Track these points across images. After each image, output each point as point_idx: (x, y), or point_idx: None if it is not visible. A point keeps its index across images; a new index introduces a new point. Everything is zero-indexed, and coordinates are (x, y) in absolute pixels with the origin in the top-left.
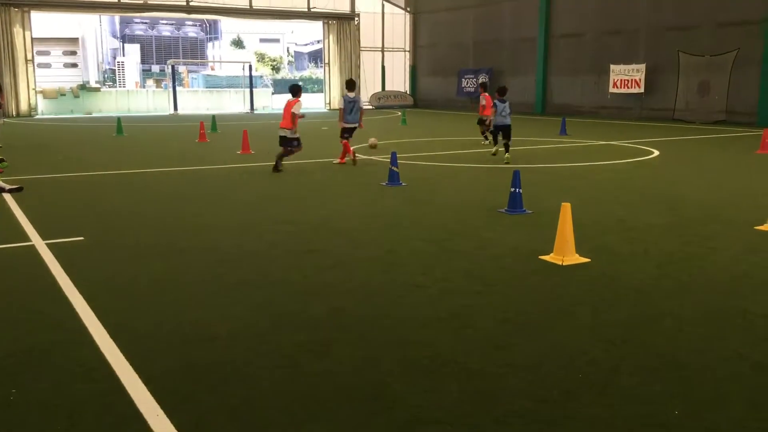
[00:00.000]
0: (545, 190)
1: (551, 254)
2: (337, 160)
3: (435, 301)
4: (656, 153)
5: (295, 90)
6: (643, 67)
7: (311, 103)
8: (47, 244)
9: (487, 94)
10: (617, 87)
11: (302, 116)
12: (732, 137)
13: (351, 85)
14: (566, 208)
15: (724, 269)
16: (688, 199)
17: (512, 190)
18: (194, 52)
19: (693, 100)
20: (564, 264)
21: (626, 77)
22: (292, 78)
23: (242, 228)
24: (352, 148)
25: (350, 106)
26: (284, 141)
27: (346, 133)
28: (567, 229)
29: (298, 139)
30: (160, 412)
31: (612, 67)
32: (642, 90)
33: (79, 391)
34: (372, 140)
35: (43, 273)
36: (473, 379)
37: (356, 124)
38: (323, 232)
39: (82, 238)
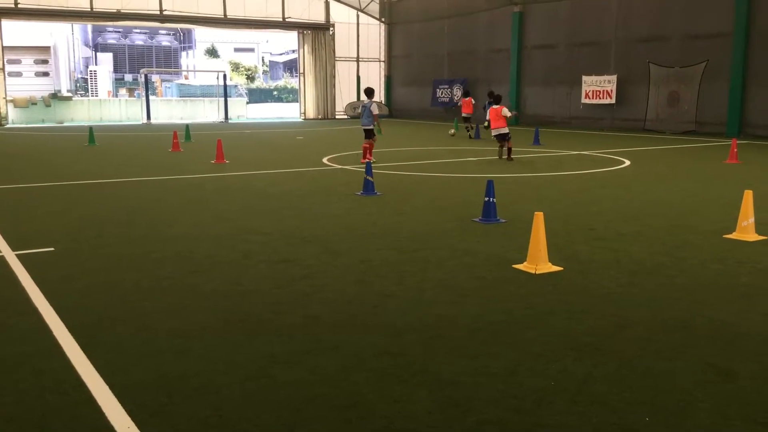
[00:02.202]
0: (519, 200)
1: (524, 263)
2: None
3: (408, 310)
4: (627, 163)
5: (498, 98)
6: (614, 78)
7: (286, 112)
8: (17, 255)
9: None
10: (589, 98)
11: (515, 114)
12: (701, 147)
13: (368, 92)
14: (539, 218)
15: (693, 278)
16: (659, 208)
17: (486, 199)
18: (168, 61)
19: (663, 111)
20: (537, 273)
21: (598, 88)
22: (267, 88)
23: (216, 238)
24: (364, 147)
25: (362, 110)
26: (501, 137)
27: (366, 133)
28: (540, 238)
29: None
30: (131, 424)
31: (584, 78)
32: (613, 101)
33: (49, 402)
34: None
35: (13, 284)
36: (446, 388)
37: (368, 126)
38: (297, 242)
39: (52, 248)
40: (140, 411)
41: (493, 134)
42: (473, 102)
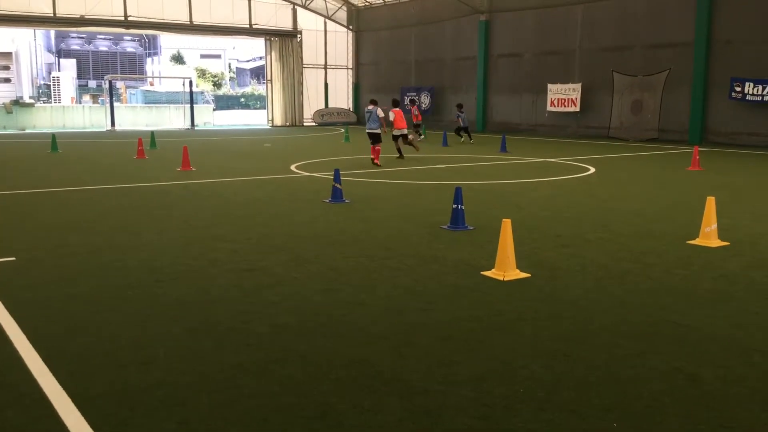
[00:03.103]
0: (486, 207)
1: (493, 270)
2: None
3: (377, 318)
4: (592, 170)
5: (395, 102)
6: (579, 86)
7: (254, 119)
8: None
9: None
10: (554, 105)
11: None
12: (664, 154)
13: (373, 101)
14: (507, 225)
15: (659, 283)
16: (623, 214)
17: (454, 206)
18: (133, 67)
19: (627, 119)
20: (505, 279)
21: (563, 96)
22: (234, 94)
23: (182, 246)
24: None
25: (367, 116)
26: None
27: (370, 138)
28: (508, 245)
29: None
30: None
31: (549, 86)
32: (578, 109)
33: (10, 418)
34: (410, 137)
35: None
36: (416, 396)
37: (375, 131)
38: (265, 250)
39: (13, 258)
40: (104, 424)
41: (395, 134)
42: (417, 112)
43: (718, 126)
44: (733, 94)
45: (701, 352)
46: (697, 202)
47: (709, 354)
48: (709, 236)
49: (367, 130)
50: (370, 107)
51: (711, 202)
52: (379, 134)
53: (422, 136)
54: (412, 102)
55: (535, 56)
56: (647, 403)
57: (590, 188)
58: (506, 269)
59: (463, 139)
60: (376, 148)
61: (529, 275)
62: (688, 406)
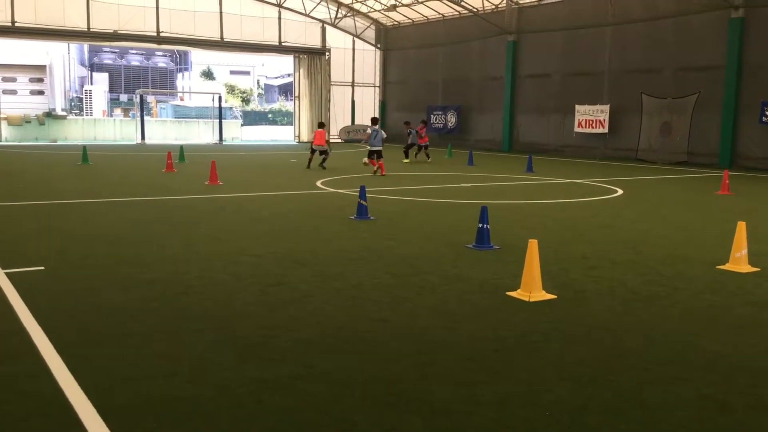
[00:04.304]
0: (512, 227)
1: (518, 290)
2: (380, 172)
3: (401, 336)
4: (620, 192)
5: (321, 124)
6: (607, 108)
7: (281, 135)
8: (6, 273)
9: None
10: (582, 127)
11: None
12: (693, 178)
13: (375, 121)
14: (533, 245)
15: (688, 308)
16: (652, 237)
17: (480, 225)
18: (163, 82)
19: (655, 141)
20: (531, 300)
21: (591, 117)
22: (262, 110)
23: (207, 259)
24: (380, 165)
25: (374, 134)
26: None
27: (375, 154)
28: (534, 265)
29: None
30: None
31: (577, 107)
32: (606, 130)
33: (36, 427)
34: (366, 159)
35: (1, 302)
36: (438, 416)
37: (380, 147)
38: (289, 265)
39: (42, 267)
40: None
41: (316, 149)
42: (423, 133)
43: (748, 150)
44: (764, 118)
45: (731, 379)
46: (727, 227)
47: (738, 382)
48: (739, 261)
49: (375, 147)
50: (375, 127)
51: (741, 227)
52: (381, 150)
53: (429, 159)
54: (424, 123)
55: (563, 77)
56: (675, 430)
57: (618, 210)
58: (532, 290)
59: (408, 160)
60: (381, 163)
61: (555, 297)
62: None
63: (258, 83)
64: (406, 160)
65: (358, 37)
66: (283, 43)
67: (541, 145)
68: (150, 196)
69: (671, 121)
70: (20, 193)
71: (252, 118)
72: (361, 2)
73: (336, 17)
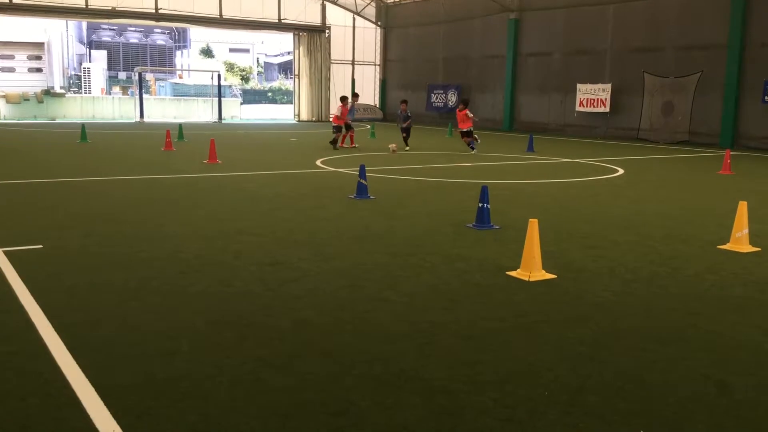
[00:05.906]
0: (512, 206)
1: (518, 270)
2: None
3: (400, 315)
4: (621, 171)
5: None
6: (608, 87)
7: (280, 114)
8: (4, 252)
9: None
10: (583, 106)
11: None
12: (695, 157)
13: (355, 96)
14: (533, 224)
15: (688, 288)
16: (652, 217)
17: (480, 205)
18: (162, 60)
19: (657, 121)
20: (530, 280)
21: (592, 96)
22: (262, 89)
23: (206, 238)
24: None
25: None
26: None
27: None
28: (534, 245)
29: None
30: (117, 427)
31: (578, 86)
32: (607, 109)
33: (34, 405)
34: (392, 146)
35: (0, 281)
36: (437, 396)
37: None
38: (289, 244)
39: (40, 246)
40: (126, 414)
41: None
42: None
43: (750, 130)
44: (766, 98)
45: (731, 359)
46: (728, 206)
47: (738, 361)
48: (740, 241)
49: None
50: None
51: (743, 207)
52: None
53: (407, 147)
54: (465, 102)
55: (565, 56)
56: (675, 409)
57: (619, 190)
58: (532, 270)
59: (409, 147)
60: (350, 133)
61: (555, 276)
62: (717, 415)
63: (257, 61)
64: (407, 148)
65: (358, 14)
66: (282, 21)
67: (542, 124)
68: (149, 174)
69: (673, 100)
70: (19, 171)
71: (251, 97)
72: None
73: None
